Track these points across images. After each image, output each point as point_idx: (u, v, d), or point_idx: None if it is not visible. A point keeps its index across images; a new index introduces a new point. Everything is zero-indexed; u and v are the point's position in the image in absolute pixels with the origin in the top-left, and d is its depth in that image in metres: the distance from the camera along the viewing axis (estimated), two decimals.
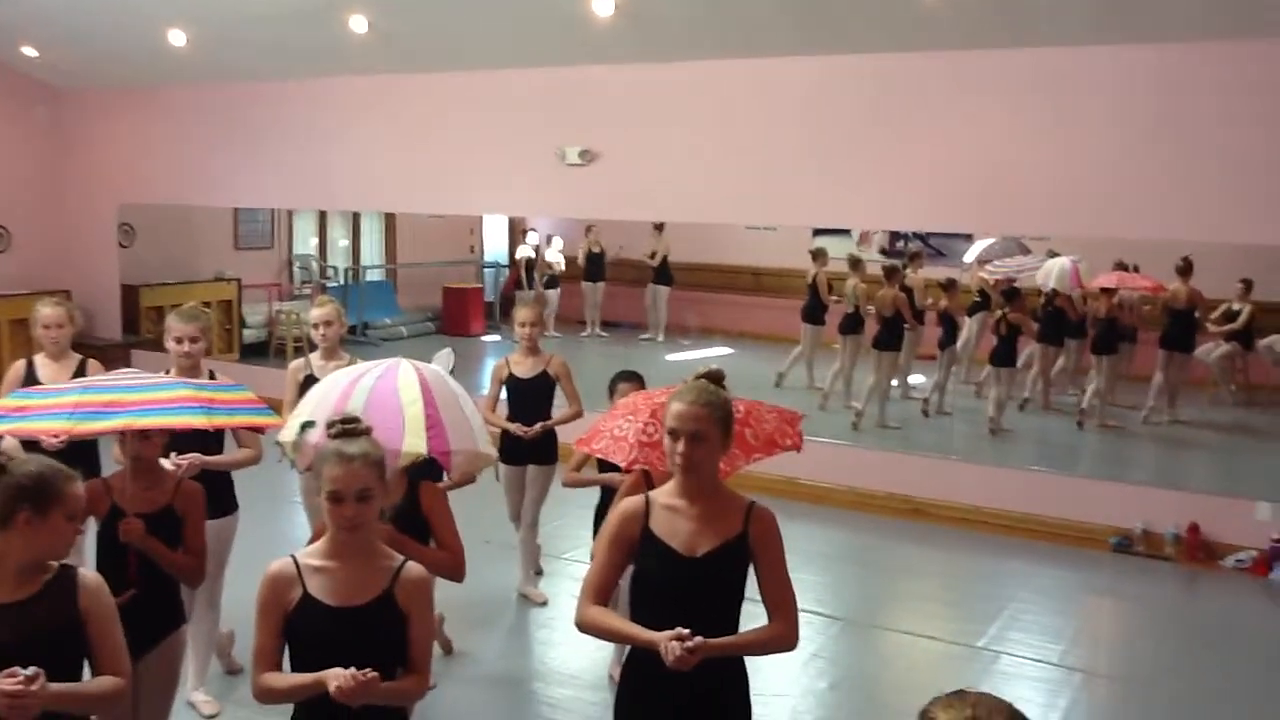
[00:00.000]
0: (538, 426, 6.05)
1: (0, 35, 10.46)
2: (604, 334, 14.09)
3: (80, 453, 4.53)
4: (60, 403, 3.57)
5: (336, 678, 2.65)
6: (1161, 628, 6.49)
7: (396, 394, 3.73)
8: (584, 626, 3.00)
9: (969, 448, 9.10)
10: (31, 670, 2.54)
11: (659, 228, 12.93)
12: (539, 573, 6.58)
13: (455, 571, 3.77)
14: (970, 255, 10.73)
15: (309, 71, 10.15)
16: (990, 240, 10.31)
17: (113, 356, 10.73)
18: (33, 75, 11.54)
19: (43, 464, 2.82)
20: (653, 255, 13.30)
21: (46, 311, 5.19)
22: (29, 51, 10.81)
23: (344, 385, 3.79)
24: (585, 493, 5.29)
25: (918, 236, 11.90)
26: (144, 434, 3.68)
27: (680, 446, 2.92)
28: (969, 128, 7.68)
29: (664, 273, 13.49)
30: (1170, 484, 7.80)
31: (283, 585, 2.81)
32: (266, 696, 2.81)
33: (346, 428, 2.91)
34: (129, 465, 3.74)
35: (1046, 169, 7.43)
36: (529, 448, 6.09)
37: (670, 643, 2.76)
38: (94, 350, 6.73)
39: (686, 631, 2.77)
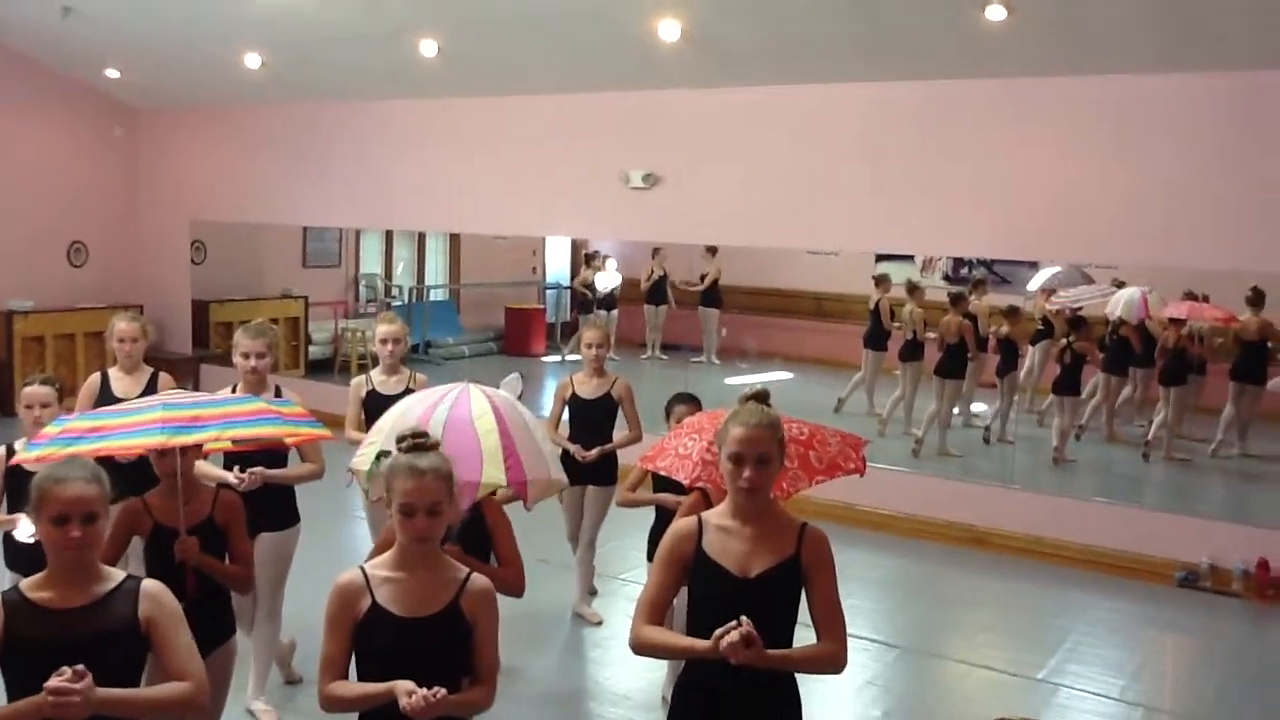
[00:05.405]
0: (595, 451, 6.11)
1: (86, 57, 10.80)
2: (664, 356, 14.11)
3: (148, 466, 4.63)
4: (148, 419, 3.57)
5: (407, 691, 2.69)
6: (1227, 665, 6.34)
7: (472, 423, 3.76)
8: (638, 646, 3.00)
9: (1031, 477, 8.98)
10: (79, 667, 2.50)
11: (711, 251, 12.92)
12: (593, 593, 6.62)
13: (515, 587, 3.85)
14: (1035, 283, 10.62)
15: (378, 94, 10.34)
16: (1055, 269, 10.20)
17: (183, 370, 11.02)
18: (112, 95, 11.87)
19: (43, 471, 2.78)
20: (703, 279, 13.27)
21: (121, 326, 5.29)
22: (111, 73, 11.15)
23: (418, 414, 3.81)
24: (643, 514, 5.30)
25: (982, 263, 11.78)
26: (184, 450, 3.69)
27: (747, 471, 2.91)
28: (1030, 155, 7.63)
29: (712, 295, 13.49)
30: (1239, 518, 7.62)
31: (352, 595, 2.86)
32: (333, 705, 2.84)
33: (416, 441, 2.94)
34: (169, 481, 3.72)
35: (1109, 197, 7.35)
36: (588, 469, 6.13)
37: (727, 637, 2.69)
38: (165, 363, 6.87)
39: (743, 619, 2.70)
